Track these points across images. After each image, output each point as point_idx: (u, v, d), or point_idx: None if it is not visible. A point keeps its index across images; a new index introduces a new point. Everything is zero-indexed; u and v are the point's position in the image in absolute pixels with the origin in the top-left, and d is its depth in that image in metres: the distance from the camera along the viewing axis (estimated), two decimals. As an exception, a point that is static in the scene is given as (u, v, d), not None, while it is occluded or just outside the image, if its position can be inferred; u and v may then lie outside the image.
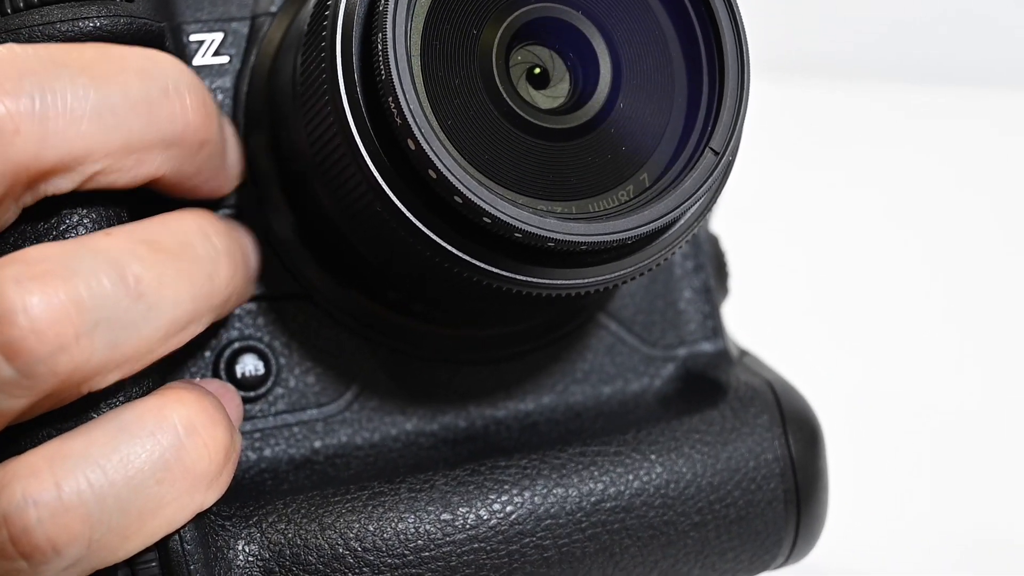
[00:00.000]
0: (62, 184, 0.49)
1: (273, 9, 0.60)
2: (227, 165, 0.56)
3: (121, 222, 0.52)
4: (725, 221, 0.70)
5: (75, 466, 0.47)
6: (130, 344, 0.48)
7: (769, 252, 1.03)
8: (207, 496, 0.50)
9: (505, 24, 0.52)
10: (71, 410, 0.49)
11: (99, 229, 0.51)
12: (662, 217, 0.51)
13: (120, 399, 0.50)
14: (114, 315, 0.47)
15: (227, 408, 0.54)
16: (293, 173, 0.57)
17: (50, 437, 0.49)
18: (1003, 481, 0.90)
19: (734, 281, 0.68)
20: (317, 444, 0.59)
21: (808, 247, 1.07)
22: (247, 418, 0.58)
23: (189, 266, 0.50)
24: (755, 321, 0.79)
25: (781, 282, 1.02)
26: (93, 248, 0.48)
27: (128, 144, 0.50)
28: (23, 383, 0.46)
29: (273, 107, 0.58)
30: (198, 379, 0.57)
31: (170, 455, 0.48)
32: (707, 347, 0.65)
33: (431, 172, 0.49)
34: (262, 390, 0.58)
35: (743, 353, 0.66)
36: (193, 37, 0.59)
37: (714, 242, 0.67)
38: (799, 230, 1.09)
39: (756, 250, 0.94)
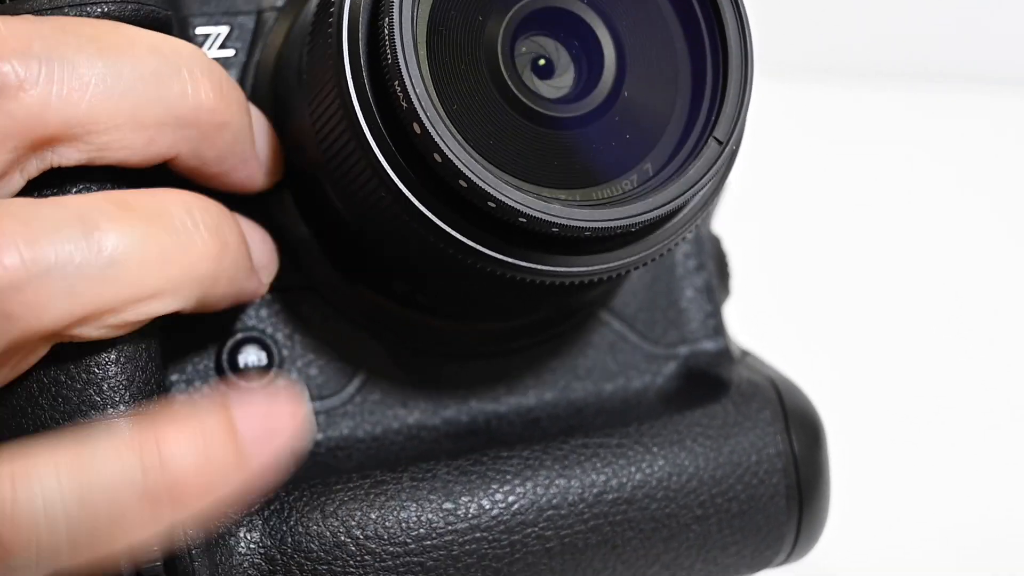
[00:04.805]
0: (69, 154, 0.49)
1: (279, 3, 0.60)
2: (257, 155, 0.55)
3: None
4: (727, 222, 0.71)
5: (34, 472, 0.44)
6: (89, 295, 0.47)
7: (771, 254, 1.03)
8: (177, 521, 0.46)
9: (510, 13, 0.52)
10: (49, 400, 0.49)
11: None
12: (666, 205, 0.51)
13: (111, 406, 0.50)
14: (71, 261, 0.46)
15: (287, 422, 0.47)
16: (297, 164, 0.58)
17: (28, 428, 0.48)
18: (1008, 479, 0.90)
19: (736, 282, 0.68)
20: (319, 436, 0.58)
21: (810, 249, 1.07)
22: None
23: (160, 232, 0.49)
24: (757, 322, 0.79)
25: (783, 283, 1.02)
26: (62, 202, 0.48)
27: (136, 117, 0.49)
28: None
29: (279, 100, 0.58)
30: (243, 390, 0.56)
31: (129, 487, 0.45)
32: (709, 346, 0.65)
33: (436, 156, 0.49)
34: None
35: (744, 353, 0.66)
36: (199, 30, 0.59)
37: (716, 242, 0.68)
38: (801, 232, 1.09)
39: (758, 251, 0.94)
